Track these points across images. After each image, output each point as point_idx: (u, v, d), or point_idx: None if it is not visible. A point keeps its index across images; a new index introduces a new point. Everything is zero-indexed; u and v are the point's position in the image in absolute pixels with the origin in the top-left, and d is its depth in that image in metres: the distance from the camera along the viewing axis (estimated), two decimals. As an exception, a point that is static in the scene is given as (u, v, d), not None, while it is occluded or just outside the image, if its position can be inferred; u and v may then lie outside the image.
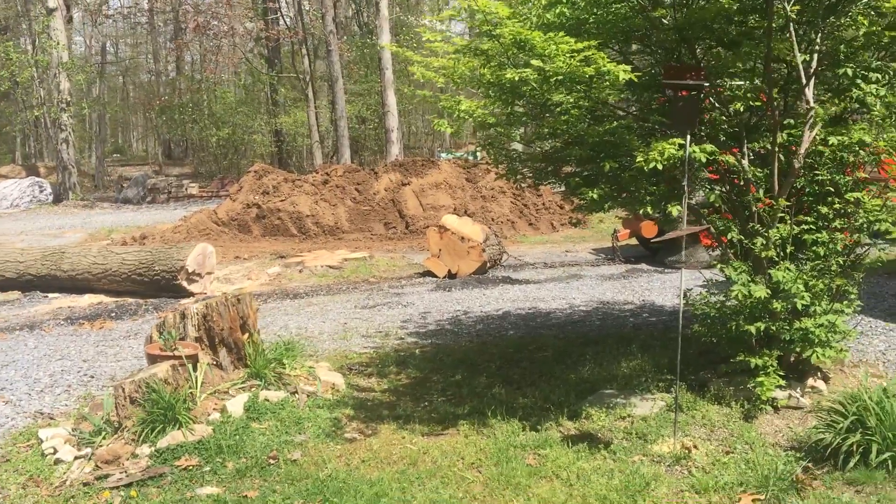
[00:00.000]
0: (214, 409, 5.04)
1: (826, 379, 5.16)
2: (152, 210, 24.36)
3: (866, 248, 5.01)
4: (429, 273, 11.39)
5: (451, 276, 11.08)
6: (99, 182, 32.96)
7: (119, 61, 43.68)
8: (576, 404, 5.21)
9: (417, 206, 15.78)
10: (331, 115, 28.78)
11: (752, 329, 4.71)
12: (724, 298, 5.33)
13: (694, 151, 4.05)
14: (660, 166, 3.92)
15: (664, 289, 9.66)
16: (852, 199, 4.78)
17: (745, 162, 4.84)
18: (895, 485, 3.72)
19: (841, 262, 4.79)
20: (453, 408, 5.32)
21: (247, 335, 5.49)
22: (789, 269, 4.68)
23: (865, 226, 4.81)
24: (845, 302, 4.94)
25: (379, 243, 14.77)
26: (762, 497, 3.68)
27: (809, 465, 3.94)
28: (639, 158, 3.93)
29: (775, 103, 4.70)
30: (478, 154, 27.77)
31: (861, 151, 4.79)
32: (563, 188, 5.65)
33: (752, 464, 4.05)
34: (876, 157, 4.85)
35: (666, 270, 10.98)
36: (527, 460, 4.33)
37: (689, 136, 3.92)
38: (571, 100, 4.17)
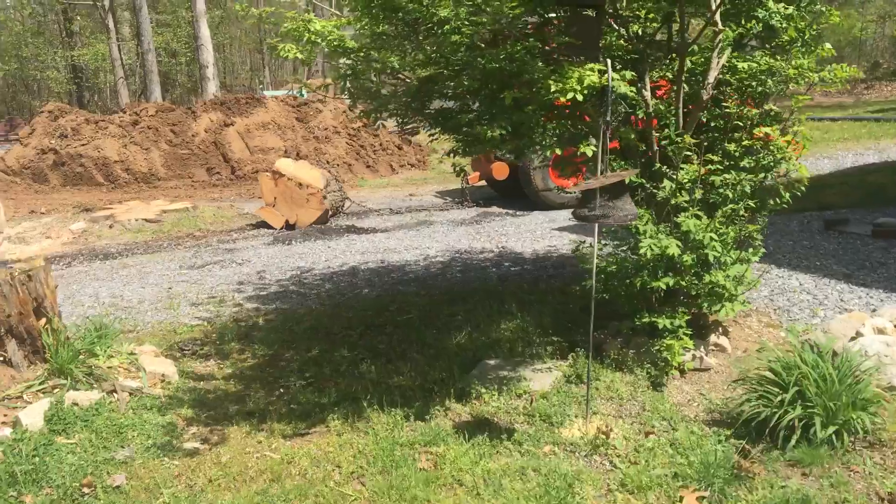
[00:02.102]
0: (3, 422, 3.85)
1: (726, 333, 4.73)
2: (-76, 157, 21.00)
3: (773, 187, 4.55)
4: (264, 224, 10.24)
5: (289, 226, 9.99)
6: None
7: None
8: (461, 381, 4.47)
9: (244, 149, 14.35)
10: (137, 49, 26.02)
11: (662, 285, 4.14)
12: (621, 251, 4.74)
13: (615, 80, 3.32)
14: (580, 97, 3.16)
15: (520, 234, 9.13)
16: (761, 135, 4.27)
17: (647, 93, 4.20)
18: (843, 463, 3.29)
19: (752, 206, 4.31)
20: (317, 395, 4.43)
21: (44, 321, 4.27)
22: (698, 217, 4.13)
23: (772, 164, 4.34)
24: (751, 250, 4.48)
25: (202, 191, 13.29)
26: (706, 493, 3.11)
27: (747, 446, 3.43)
28: (553, 88, 3.15)
29: (680, 24, 4.07)
30: (304, 92, 26.24)
31: (769, 81, 4.28)
32: (434, 129, 4.79)
33: (679, 448, 3.50)
34: (783, 86, 4.37)
35: (518, 213, 10.49)
36: (419, 463, 3.54)
37: (609, 62, 3.18)
38: (462, 15, 3.30)
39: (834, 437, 3.33)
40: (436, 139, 5.35)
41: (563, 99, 3.20)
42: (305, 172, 9.99)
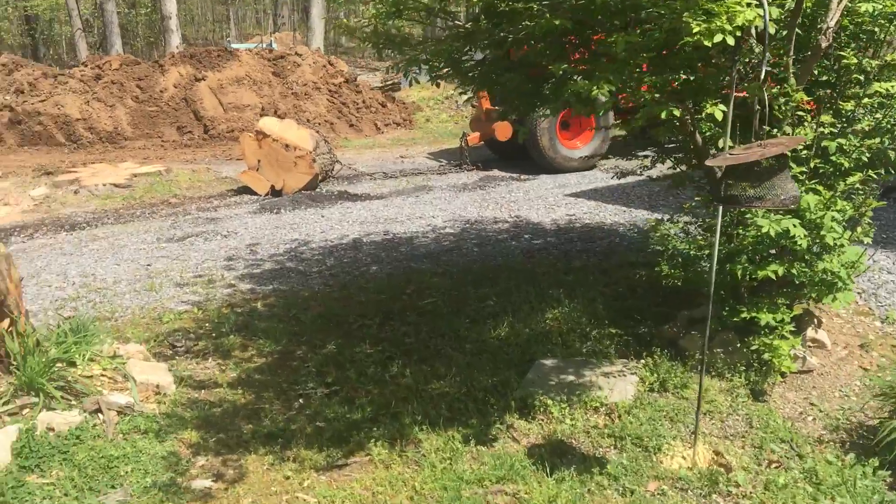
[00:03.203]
0: (-42, 455, 3.03)
1: (820, 325, 4.05)
2: None
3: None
4: (246, 190, 9.33)
5: (275, 192, 9.10)
6: None
7: None
8: (518, 389, 3.74)
9: (217, 106, 13.30)
10: (95, -2, 24.46)
11: (770, 274, 3.41)
12: (695, 229, 4.01)
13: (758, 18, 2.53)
14: (730, 40, 2.39)
15: (531, 201, 8.37)
16: (882, 91, 3.53)
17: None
18: None
19: (871, 177, 3.58)
20: (346, 409, 3.66)
21: (6, 322, 3.43)
22: (816, 191, 3.40)
23: (893, 126, 3.61)
24: (859, 229, 3.77)
25: (173, 152, 12.27)
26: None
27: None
28: (695, 28, 2.37)
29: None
30: (274, 44, 24.94)
31: (891, 27, 3.53)
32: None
33: (822, 486, 2.81)
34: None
35: (523, 177, 9.72)
36: (498, 509, 2.82)
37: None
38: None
39: None
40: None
41: (707, 42, 2.41)
42: (293, 133, 9.08)
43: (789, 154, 2.81)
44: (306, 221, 7.87)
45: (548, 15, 2.76)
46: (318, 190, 9.27)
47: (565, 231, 6.97)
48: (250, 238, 7.30)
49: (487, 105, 10.17)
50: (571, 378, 3.77)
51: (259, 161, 9.08)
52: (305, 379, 4.05)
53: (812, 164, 3.45)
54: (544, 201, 8.27)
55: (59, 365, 3.46)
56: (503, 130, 9.80)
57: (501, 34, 3.19)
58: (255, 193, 9.16)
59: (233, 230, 7.61)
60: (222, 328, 4.91)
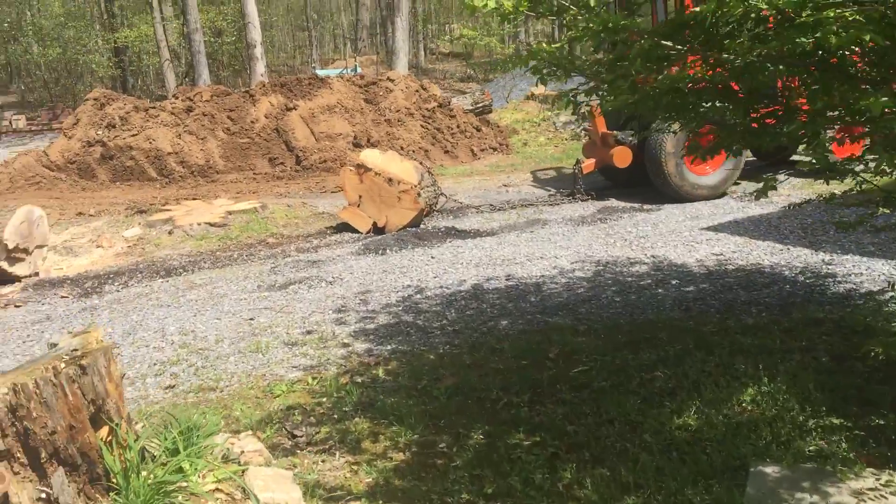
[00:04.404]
0: None
1: None
2: (-34, 150, 19.92)
3: None
4: (346, 227, 8.73)
5: (377, 230, 8.46)
6: None
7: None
8: (742, 512, 2.88)
9: (308, 136, 12.83)
10: (182, 28, 24.66)
11: None
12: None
13: None
14: None
15: (663, 236, 7.48)
16: None
17: None
18: None
19: None
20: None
21: (105, 430, 2.78)
22: None
23: None
24: None
25: (266, 185, 11.82)
26: None
27: None
28: None
29: None
30: (358, 68, 24.69)
31: None
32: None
33: None
34: None
35: (646, 207, 8.82)
36: None
37: None
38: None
39: None
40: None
41: None
42: (396, 165, 8.43)
43: None
44: (416, 264, 7.16)
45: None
46: (422, 226, 8.58)
47: (718, 275, 6.05)
48: (358, 285, 6.64)
49: (603, 129, 9.33)
50: (812, 499, 2.89)
51: (360, 196, 8.46)
52: (458, 488, 3.28)
53: None
54: (680, 237, 7.37)
55: (167, 485, 2.78)
56: (622, 156, 8.95)
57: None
58: (355, 231, 8.54)
59: (337, 275, 6.96)
60: (344, 406, 4.21)
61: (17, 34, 27.85)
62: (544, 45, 2.67)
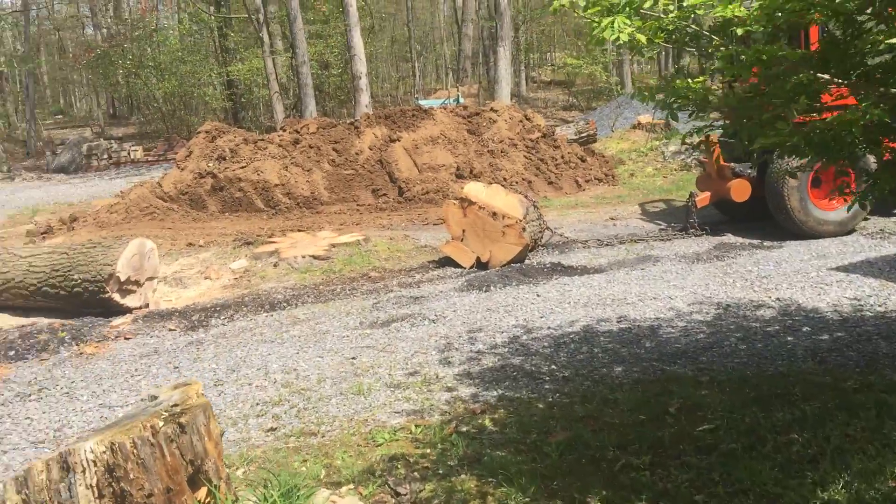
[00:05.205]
0: None
1: None
2: (88, 181, 21.03)
3: None
4: (448, 261, 8.55)
5: (480, 265, 8.25)
6: (31, 149, 29.25)
7: (41, 8, 39.19)
8: None
9: (411, 167, 12.82)
10: (291, 61, 25.37)
11: None
12: None
13: None
14: None
15: (788, 276, 6.96)
16: None
17: None
18: None
19: None
20: None
21: (204, 491, 2.63)
22: None
23: None
24: None
25: (368, 216, 11.83)
26: None
27: None
28: None
29: None
30: (460, 98, 24.75)
31: None
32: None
33: None
34: None
35: (766, 244, 8.28)
36: None
37: None
38: None
39: None
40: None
41: None
42: (501, 199, 8.22)
43: None
44: (521, 302, 6.90)
45: None
46: (527, 261, 8.32)
47: (854, 322, 5.53)
48: (461, 324, 6.43)
49: (719, 161, 8.86)
50: None
51: (463, 231, 8.28)
52: (577, 564, 2.99)
53: None
54: (807, 277, 6.83)
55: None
56: (740, 190, 8.45)
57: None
58: (458, 266, 8.35)
59: (440, 313, 6.77)
60: (449, 460, 3.97)
61: (139, 69, 29.35)
62: (687, 80, 2.39)
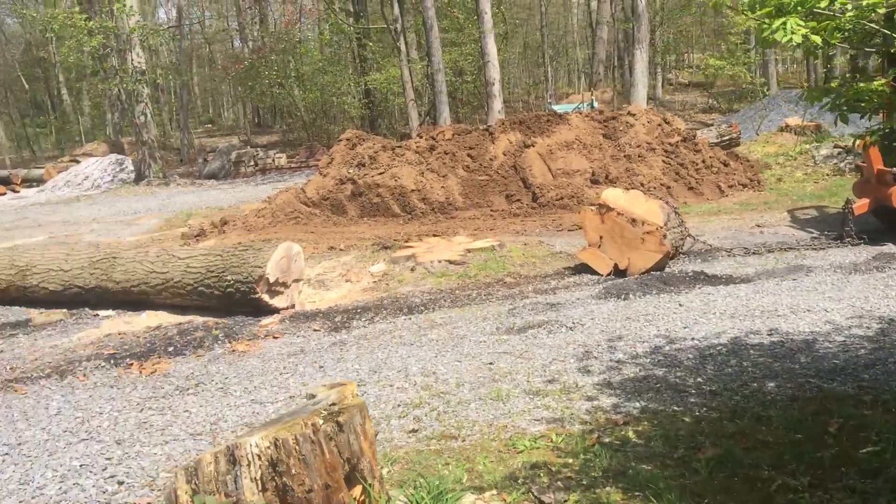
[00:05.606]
0: None
1: None
2: (236, 187, 22.19)
3: None
4: (584, 268, 8.43)
5: (618, 272, 8.09)
6: (184, 156, 31.23)
7: (193, 23, 41.79)
8: None
9: (545, 172, 12.74)
10: (426, 69, 25.84)
11: None
12: None
13: None
14: None
15: (960, 290, 6.42)
16: None
17: None
18: None
19: None
20: None
21: (358, 489, 2.70)
22: None
23: None
24: None
25: (502, 221, 11.86)
26: None
27: None
28: None
29: None
30: (595, 102, 24.40)
31: None
32: None
33: None
34: None
35: (934, 255, 7.67)
36: None
37: None
38: None
39: None
40: None
41: None
42: (640, 205, 8.02)
43: None
44: (662, 312, 6.70)
45: None
46: (667, 270, 8.08)
47: None
48: (599, 332, 6.31)
49: (879, 165, 8.29)
50: None
51: (601, 237, 8.14)
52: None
53: None
54: (984, 293, 6.28)
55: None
56: (903, 196, 7.87)
57: None
58: (594, 273, 8.22)
59: (578, 320, 6.68)
60: (592, 471, 3.90)
61: (283, 80, 30.74)
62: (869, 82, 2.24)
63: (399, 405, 5.16)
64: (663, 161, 12.79)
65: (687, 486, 3.64)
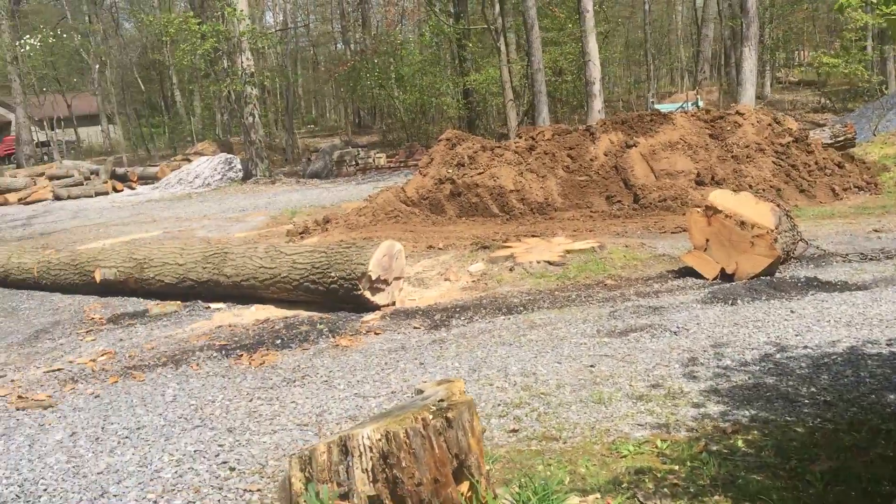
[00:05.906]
0: None
1: None
2: (338, 186, 22.70)
3: None
4: (688, 271, 8.22)
5: (724, 276, 7.85)
6: (289, 155, 32.19)
7: (299, 27, 43.00)
8: None
9: (647, 173, 12.49)
10: (525, 69, 25.76)
11: None
12: None
13: None
14: None
15: None
16: None
17: None
18: None
19: None
20: None
21: (465, 486, 2.73)
22: None
23: None
24: None
25: (602, 223, 11.70)
26: None
27: None
28: None
29: None
30: (700, 101, 23.75)
31: None
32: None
33: None
34: None
35: None
36: None
37: None
38: None
39: None
40: None
41: None
42: (749, 207, 7.76)
43: None
44: (772, 318, 6.47)
45: None
46: (778, 275, 7.78)
47: None
48: (706, 337, 6.15)
49: None
50: None
51: (707, 240, 7.92)
52: None
53: None
54: None
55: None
56: None
57: None
58: (700, 277, 8.00)
59: (682, 325, 6.52)
60: (699, 479, 3.81)
61: (383, 82, 31.25)
62: None
63: (499, 404, 5.17)
64: (773, 162, 12.32)
65: (801, 499, 3.51)
